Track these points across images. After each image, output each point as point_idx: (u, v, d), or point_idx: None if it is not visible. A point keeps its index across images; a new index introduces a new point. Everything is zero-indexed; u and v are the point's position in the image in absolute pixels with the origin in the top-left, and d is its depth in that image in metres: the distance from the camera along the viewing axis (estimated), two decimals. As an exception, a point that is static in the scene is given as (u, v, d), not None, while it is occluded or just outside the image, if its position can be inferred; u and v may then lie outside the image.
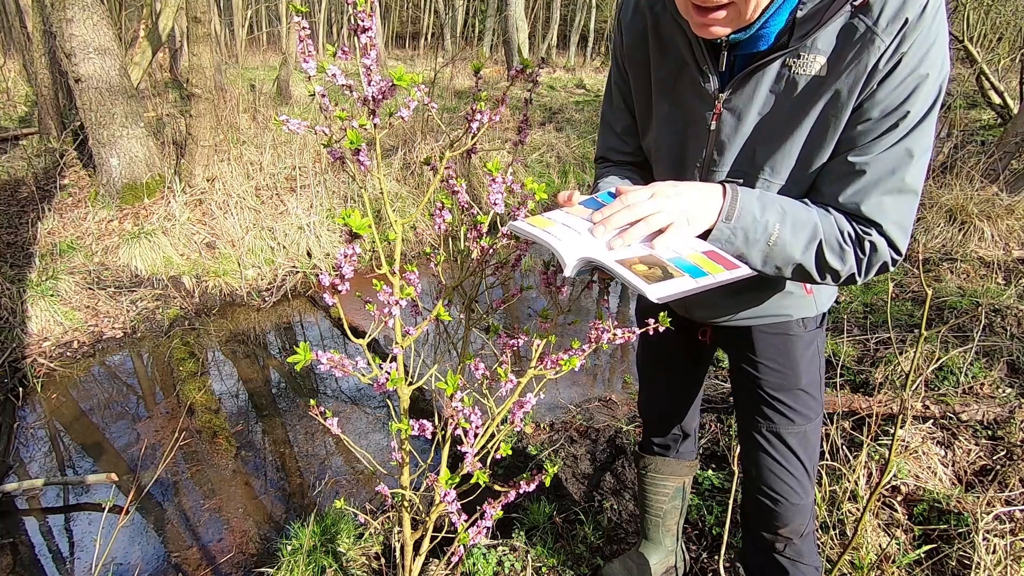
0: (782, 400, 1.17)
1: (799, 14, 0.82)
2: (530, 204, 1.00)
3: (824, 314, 1.18)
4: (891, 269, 0.90)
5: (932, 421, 2.24)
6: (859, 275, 0.89)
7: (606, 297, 4.39)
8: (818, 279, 0.91)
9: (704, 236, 0.86)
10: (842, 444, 2.05)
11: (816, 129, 0.87)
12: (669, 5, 0.93)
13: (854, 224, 0.87)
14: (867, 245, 0.87)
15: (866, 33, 0.80)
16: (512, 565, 1.80)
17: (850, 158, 0.85)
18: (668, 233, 0.81)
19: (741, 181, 0.95)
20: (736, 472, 1.26)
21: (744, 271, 0.80)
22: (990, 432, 2.18)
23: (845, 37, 0.81)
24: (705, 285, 0.76)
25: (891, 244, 0.87)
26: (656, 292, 0.71)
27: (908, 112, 0.81)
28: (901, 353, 2.66)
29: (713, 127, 0.95)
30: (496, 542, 1.89)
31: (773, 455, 1.20)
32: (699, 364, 1.42)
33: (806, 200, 0.91)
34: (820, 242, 0.86)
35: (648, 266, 0.77)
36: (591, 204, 0.90)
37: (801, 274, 0.90)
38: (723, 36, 0.84)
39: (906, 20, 0.78)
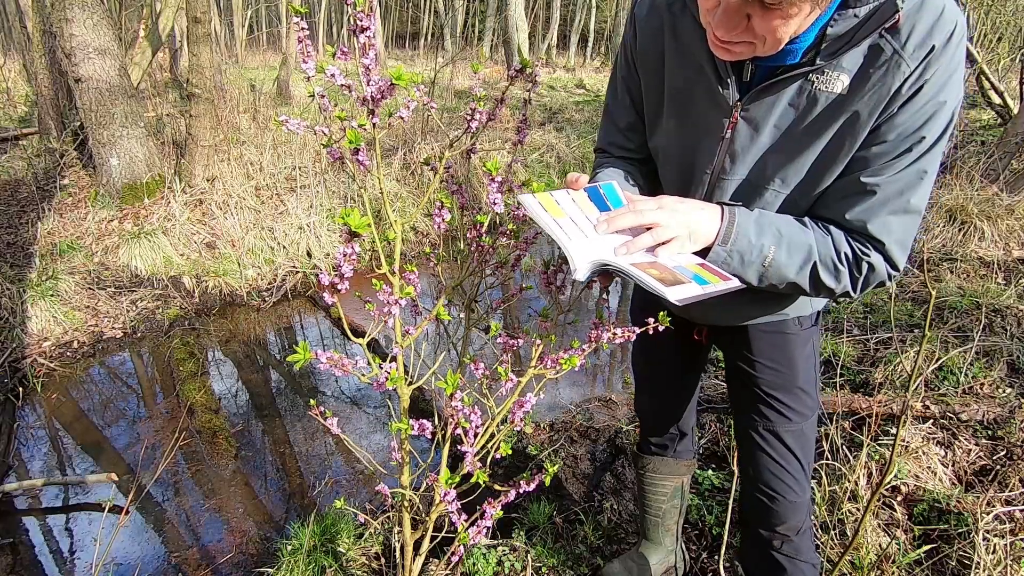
0: (779, 398, 1.18)
1: (830, 30, 0.80)
2: None
3: (819, 312, 1.19)
4: (887, 285, 0.93)
5: (932, 421, 2.24)
6: (854, 292, 0.92)
7: (606, 297, 4.39)
8: (812, 296, 0.95)
9: (703, 254, 0.89)
10: (842, 444, 2.05)
11: (831, 146, 0.88)
12: (691, 6, 0.90)
13: (853, 243, 0.89)
14: (864, 266, 0.89)
15: (893, 56, 0.80)
16: (512, 565, 1.80)
17: (862, 178, 0.86)
18: (671, 245, 0.85)
19: (741, 204, 0.96)
20: (736, 472, 1.26)
21: (736, 283, 0.84)
22: (990, 432, 2.18)
23: (871, 58, 0.81)
24: (709, 293, 0.80)
25: (889, 261, 0.89)
26: (676, 295, 0.76)
27: (924, 137, 0.82)
28: (901, 353, 2.66)
29: (728, 136, 0.94)
30: (496, 542, 1.89)
31: (770, 453, 1.21)
32: (695, 364, 1.42)
33: (805, 220, 0.92)
34: (815, 263, 0.89)
35: (659, 271, 0.80)
36: (592, 193, 0.92)
37: (797, 290, 0.93)
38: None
39: (933, 47, 0.78)
